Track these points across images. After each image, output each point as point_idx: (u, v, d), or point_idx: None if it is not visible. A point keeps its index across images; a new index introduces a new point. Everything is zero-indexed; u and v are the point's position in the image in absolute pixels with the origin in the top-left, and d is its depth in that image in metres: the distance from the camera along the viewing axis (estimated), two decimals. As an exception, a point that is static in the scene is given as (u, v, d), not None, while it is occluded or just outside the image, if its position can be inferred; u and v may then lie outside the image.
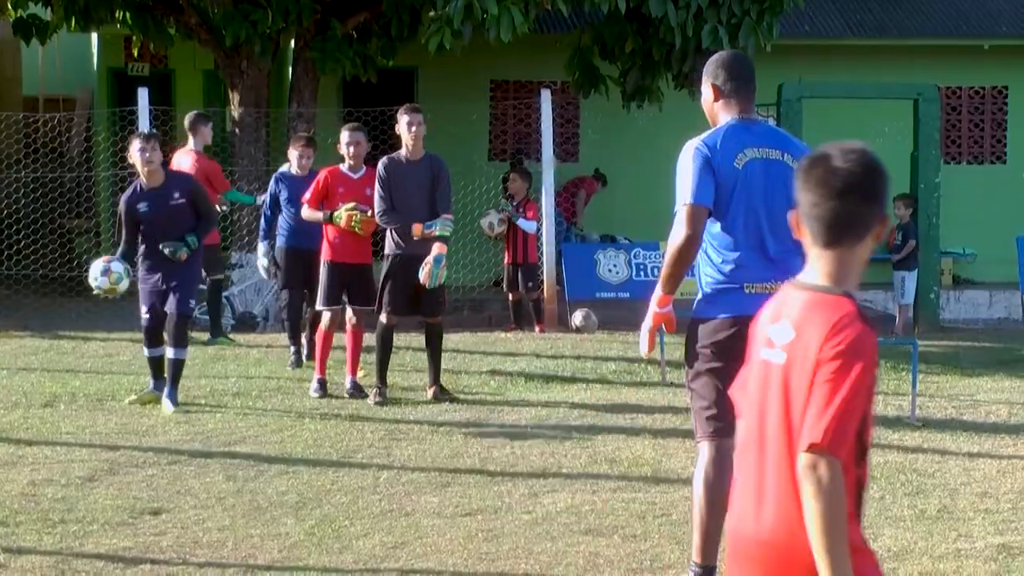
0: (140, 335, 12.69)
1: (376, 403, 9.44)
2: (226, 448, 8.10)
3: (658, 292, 5.35)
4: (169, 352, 9.41)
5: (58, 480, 7.24)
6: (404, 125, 9.55)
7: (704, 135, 5.39)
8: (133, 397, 9.61)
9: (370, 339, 10.05)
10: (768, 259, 5.26)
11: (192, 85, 19.78)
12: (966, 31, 20.11)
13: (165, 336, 9.45)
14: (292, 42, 16.61)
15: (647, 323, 5.38)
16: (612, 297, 15.40)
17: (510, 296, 14.53)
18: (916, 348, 9.43)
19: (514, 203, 14.33)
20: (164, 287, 9.38)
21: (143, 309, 9.47)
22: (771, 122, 18.15)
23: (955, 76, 20.22)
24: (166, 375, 9.45)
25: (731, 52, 5.67)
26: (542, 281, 14.61)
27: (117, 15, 16.12)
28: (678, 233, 5.23)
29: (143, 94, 14.73)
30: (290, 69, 17.09)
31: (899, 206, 15.43)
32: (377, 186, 9.53)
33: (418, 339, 12.38)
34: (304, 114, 15.89)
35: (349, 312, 9.97)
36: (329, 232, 9.96)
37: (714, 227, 5.31)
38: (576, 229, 18.85)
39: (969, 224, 19.32)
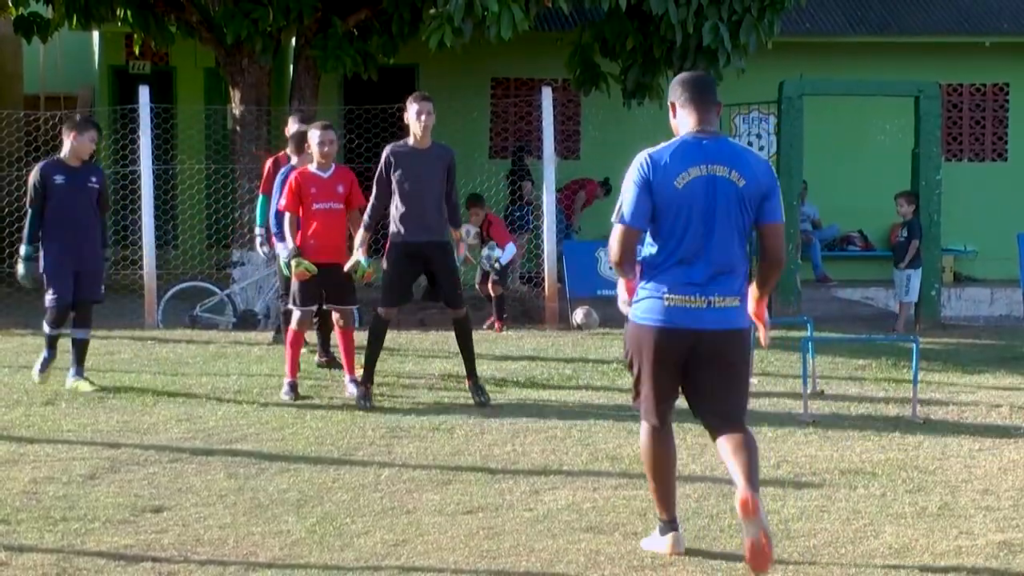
0: (142, 333, 12.72)
1: (360, 405, 9.29)
2: (227, 446, 8.10)
3: (622, 280, 5.88)
4: (79, 334, 10.00)
5: (59, 478, 7.24)
6: (413, 114, 9.35)
7: (655, 148, 5.62)
8: (38, 379, 10.00)
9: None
10: (693, 279, 5.53)
11: (193, 83, 19.79)
12: (967, 28, 20.11)
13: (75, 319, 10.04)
14: (293, 40, 16.62)
15: (622, 296, 5.91)
16: (613, 295, 15.37)
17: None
18: (917, 345, 9.42)
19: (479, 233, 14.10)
20: (74, 272, 9.89)
21: (51, 292, 9.88)
22: (771, 121, 18.23)
23: (956, 73, 20.22)
24: (72, 355, 9.98)
25: (689, 73, 5.97)
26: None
27: (118, 13, 16.12)
28: (612, 250, 5.65)
29: (144, 92, 14.72)
30: (291, 67, 17.09)
31: (901, 203, 15.40)
32: (379, 174, 9.41)
33: (419, 339, 12.40)
34: (305, 112, 15.88)
35: (336, 315, 9.96)
36: (304, 232, 9.84)
37: (648, 237, 5.61)
38: (572, 230, 18.79)
39: (970, 221, 19.33)
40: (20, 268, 10.07)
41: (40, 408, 9.28)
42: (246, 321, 14.23)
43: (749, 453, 5.55)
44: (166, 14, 16.09)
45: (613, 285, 15.70)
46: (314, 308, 9.95)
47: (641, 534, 6.18)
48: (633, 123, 17.92)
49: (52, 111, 17.84)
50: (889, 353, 11.71)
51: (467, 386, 9.63)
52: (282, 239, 10.73)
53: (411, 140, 9.47)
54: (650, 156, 5.55)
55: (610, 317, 14.27)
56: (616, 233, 5.58)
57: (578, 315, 14.17)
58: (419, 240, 9.39)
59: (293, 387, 9.74)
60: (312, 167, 9.98)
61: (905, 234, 15.39)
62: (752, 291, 5.76)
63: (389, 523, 6.41)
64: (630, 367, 5.80)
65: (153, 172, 14.60)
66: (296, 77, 16.34)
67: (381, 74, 16.38)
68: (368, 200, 9.62)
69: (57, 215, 9.89)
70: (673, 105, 5.72)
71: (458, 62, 16.19)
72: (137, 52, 18.11)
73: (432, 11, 13.70)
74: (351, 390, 9.74)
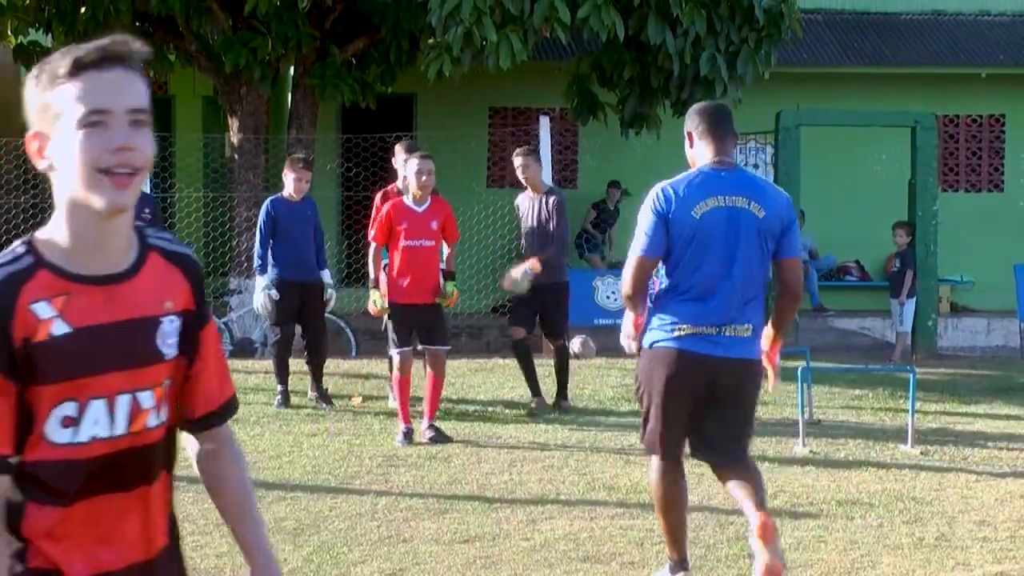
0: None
1: (533, 409, 10.53)
2: (224, 474, 8.08)
3: (630, 314, 5.78)
4: None
5: (56, 506, 7.22)
6: (519, 167, 10.74)
7: (672, 180, 5.62)
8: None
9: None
10: (707, 309, 5.49)
11: (191, 111, 19.83)
12: (963, 59, 20.17)
13: None
14: (291, 68, 16.67)
15: (628, 330, 5.80)
16: (610, 324, 15.39)
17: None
18: (914, 376, 9.44)
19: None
20: None
21: None
22: (768, 151, 18.29)
23: (952, 104, 20.27)
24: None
25: (707, 102, 5.97)
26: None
27: (117, 41, 16.15)
28: (624, 282, 5.65)
29: (143, 120, 14.73)
30: (289, 95, 17.14)
31: (899, 234, 15.45)
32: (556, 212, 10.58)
33: (416, 367, 12.38)
34: (303, 140, 15.92)
35: (428, 356, 9.47)
36: (392, 270, 9.39)
37: (664, 269, 5.60)
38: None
39: (967, 252, 19.35)
40: None
41: (37, 436, 9.26)
42: (243, 349, 14.23)
43: (755, 479, 5.55)
44: (165, 43, 16.13)
45: (610, 314, 15.79)
46: (411, 349, 9.39)
47: (638, 564, 6.18)
48: (630, 153, 17.97)
49: (51, 139, 17.85)
50: (886, 383, 11.72)
51: (555, 403, 10.70)
52: (263, 271, 10.56)
53: (529, 191, 10.86)
54: (665, 188, 5.55)
55: (607, 347, 14.27)
56: (631, 264, 5.58)
57: (575, 344, 14.12)
58: (541, 282, 10.49)
59: (408, 433, 9.16)
60: (407, 200, 9.44)
61: (898, 264, 15.44)
62: (767, 332, 5.71)
63: (386, 552, 6.40)
64: (641, 400, 5.79)
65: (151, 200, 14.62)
66: (294, 105, 16.38)
67: (379, 103, 16.43)
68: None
69: None
70: (690, 135, 5.68)
71: (456, 91, 16.22)
72: (136, 80, 18.11)
73: (431, 41, 13.74)
74: (427, 435, 9.19)
